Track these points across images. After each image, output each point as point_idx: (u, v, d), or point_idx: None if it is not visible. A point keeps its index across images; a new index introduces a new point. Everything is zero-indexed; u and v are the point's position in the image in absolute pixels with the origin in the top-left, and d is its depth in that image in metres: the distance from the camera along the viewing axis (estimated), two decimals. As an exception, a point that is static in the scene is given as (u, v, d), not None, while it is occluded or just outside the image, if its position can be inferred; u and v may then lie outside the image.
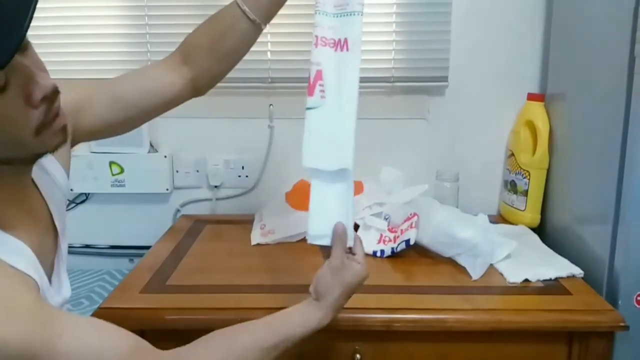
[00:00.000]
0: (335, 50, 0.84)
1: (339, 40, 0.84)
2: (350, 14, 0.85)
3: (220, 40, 0.86)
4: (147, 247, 1.29)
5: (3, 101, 0.56)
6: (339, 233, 0.83)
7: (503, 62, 1.47)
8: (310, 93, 0.82)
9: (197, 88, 0.91)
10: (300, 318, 0.80)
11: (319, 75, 0.85)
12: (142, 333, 0.98)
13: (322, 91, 0.85)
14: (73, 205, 1.54)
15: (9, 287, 0.58)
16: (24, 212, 0.68)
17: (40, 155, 0.65)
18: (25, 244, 0.64)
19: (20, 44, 0.52)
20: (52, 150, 0.64)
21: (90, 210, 1.55)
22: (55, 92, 0.61)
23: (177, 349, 0.72)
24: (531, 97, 1.39)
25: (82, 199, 1.54)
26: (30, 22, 0.53)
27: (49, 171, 0.77)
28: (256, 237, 1.30)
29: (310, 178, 0.87)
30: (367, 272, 0.82)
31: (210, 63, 0.88)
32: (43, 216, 0.73)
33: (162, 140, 1.52)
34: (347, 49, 0.84)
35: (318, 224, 0.85)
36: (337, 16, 0.85)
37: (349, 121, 0.83)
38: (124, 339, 0.66)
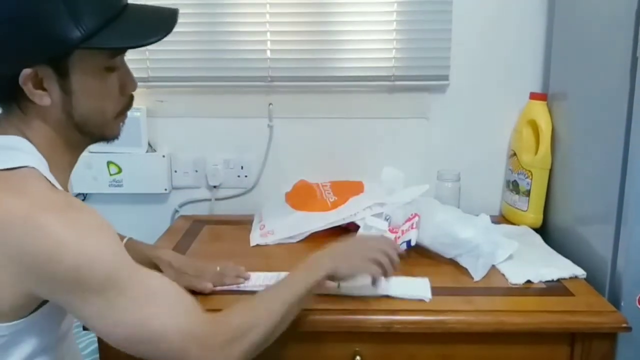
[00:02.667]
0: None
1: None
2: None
3: None
4: (146, 248, 1.28)
5: (109, 79, 0.75)
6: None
7: (505, 61, 1.46)
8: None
9: None
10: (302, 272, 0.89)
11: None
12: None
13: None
14: (71, 205, 1.53)
15: (110, 226, 0.71)
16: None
17: (103, 138, 0.80)
18: None
19: (159, 40, 0.73)
20: (111, 138, 0.81)
21: (88, 210, 1.54)
22: (133, 97, 0.82)
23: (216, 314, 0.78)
24: (533, 96, 1.38)
25: (80, 199, 1.53)
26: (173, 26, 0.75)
27: None
28: (256, 237, 1.29)
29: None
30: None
31: None
32: None
33: (160, 140, 1.51)
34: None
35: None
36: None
37: None
38: (187, 295, 0.75)
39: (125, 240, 1.02)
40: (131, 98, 0.81)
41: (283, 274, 1.05)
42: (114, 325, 0.68)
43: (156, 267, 1.01)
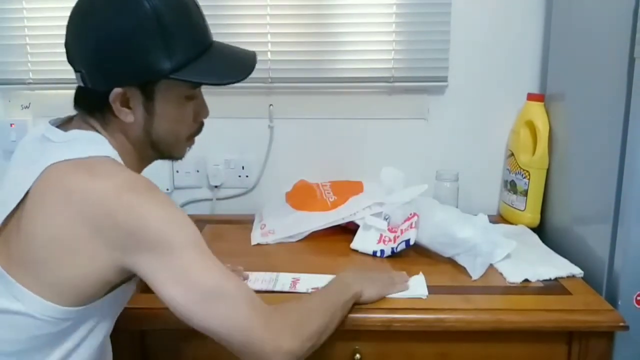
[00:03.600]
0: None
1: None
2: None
3: None
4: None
5: (187, 106, 0.84)
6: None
7: (503, 62, 1.47)
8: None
9: None
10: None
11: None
12: (142, 333, 0.99)
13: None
14: (73, 205, 1.54)
15: None
16: None
17: (170, 157, 0.88)
18: None
19: (238, 81, 0.82)
20: (178, 158, 0.89)
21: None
22: (203, 124, 0.90)
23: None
24: (531, 97, 1.39)
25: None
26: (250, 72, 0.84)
27: None
28: (256, 237, 1.30)
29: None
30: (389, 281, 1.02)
31: None
32: None
33: (162, 141, 1.52)
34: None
35: None
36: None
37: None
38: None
39: None
40: (201, 124, 0.89)
41: (282, 275, 1.06)
42: (192, 284, 0.72)
43: None
